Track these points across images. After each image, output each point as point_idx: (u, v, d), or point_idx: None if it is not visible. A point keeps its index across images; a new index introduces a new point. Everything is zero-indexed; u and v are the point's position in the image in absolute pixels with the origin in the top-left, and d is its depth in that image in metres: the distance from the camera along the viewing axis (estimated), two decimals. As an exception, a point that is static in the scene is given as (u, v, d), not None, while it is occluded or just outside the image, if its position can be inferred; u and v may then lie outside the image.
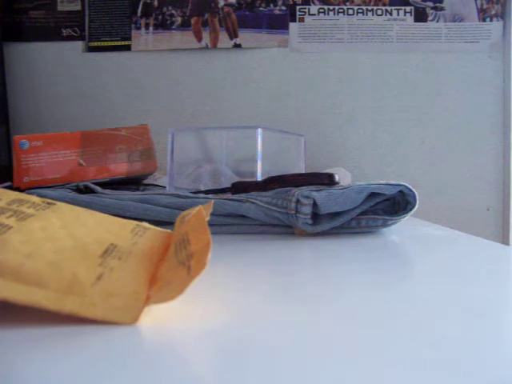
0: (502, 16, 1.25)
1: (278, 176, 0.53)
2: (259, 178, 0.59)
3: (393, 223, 0.47)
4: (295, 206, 0.46)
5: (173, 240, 0.30)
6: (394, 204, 0.48)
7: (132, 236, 0.31)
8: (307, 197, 0.46)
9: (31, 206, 0.29)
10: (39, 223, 0.27)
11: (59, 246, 0.25)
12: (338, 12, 1.23)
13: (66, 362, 0.17)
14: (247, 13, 1.21)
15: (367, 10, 1.24)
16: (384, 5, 1.25)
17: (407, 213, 0.47)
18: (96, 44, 1.22)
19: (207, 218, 0.29)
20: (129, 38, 1.22)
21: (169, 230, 0.36)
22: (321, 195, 0.46)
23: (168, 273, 0.25)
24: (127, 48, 1.22)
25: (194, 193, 0.55)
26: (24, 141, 0.63)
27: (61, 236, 0.27)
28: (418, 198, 0.47)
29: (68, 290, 0.22)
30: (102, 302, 0.22)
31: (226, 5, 1.21)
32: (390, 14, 1.25)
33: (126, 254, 0.27)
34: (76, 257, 0.25)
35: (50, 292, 0.22)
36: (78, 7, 1.22)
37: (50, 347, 0.19)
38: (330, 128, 1.20)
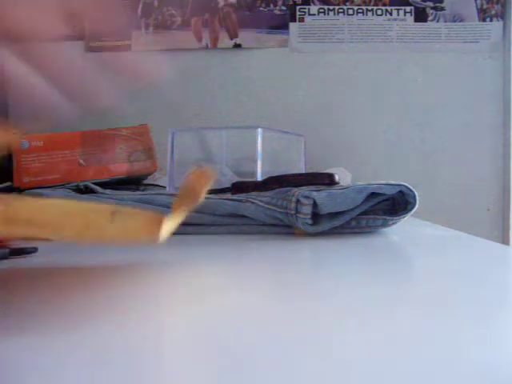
0: (502, 16, 1.25)
1: (278, 176, 0.53)
2: (259, 178, 0.59)
3: (393, 223, 0.47)
4: (295, 206, 0.46)
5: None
6: (394, 204, 0.48)
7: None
8: (307, 197, 0.46)
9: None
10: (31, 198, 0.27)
11: (65, 205, 0.26)
12: (338, 12, 1.23)
13: (64, 361, 0.17)
14: (247, 13, 1.21)
15: (367, 9, 1.24)
16: (384, 5, 1.25)
17: (407, 213, 0.47)
18: (96, 44, 1.22)
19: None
20: (129, 38, 1.22)
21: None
22: (321, 195, 0.46)
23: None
24: (127, 48, 1.22)
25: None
26: (24, 141, 0.63)
27: (63, 201, 0.27)
28: (418, 198, 0.47)
29: (84, 229, 0.24)
30: (119, 234, 0.24)
31: (226, 5, 1.21)
32: (390, 14, 1.25)
33: (134, 211, 0.28)
34: (86, 209, 0.26)
35: (68, 232, 0.23)
36: (78, 7, 1.22)
37: (48, 346, 0.19)
38: (330, 128, 1.21)
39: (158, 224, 0.25)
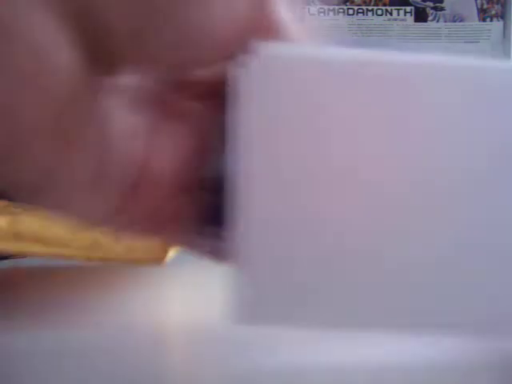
0: (502, 16, 1.25)
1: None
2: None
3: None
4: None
5: None
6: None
7: None
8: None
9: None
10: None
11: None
12: (338, 12, 1.23)
13: (64, 360, 0.17)
14: (247, 13, 1.21)
15: (367, 9, 1.24)
16: (384, 5, 1.25)
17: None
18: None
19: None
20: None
21: None
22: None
23: None
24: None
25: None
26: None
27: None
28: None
29: (90, 248, 0.23)
30: (125, 254, 0.24)
31: (226, 5, 1.21)
32: (390, 14, 1.25)
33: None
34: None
35: (74, 250, 0.23)
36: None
37: (48, 345, 0.19)
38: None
39: (165, 245, 0.25)
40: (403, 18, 1.25)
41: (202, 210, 0.18)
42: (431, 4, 1.25)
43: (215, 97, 0.19)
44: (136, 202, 0.18)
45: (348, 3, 1.24)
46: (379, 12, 1.25)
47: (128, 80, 0.18)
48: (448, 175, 0.14)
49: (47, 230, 0.24)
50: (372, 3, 1.25)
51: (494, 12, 1.25)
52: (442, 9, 1.25)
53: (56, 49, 0.14)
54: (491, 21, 1.25)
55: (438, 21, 1.24)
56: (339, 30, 1.22)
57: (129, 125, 0.17)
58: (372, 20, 1.24)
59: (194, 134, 0.19)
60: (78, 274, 0.32)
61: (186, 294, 0.25)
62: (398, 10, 1.26)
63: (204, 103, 0.20)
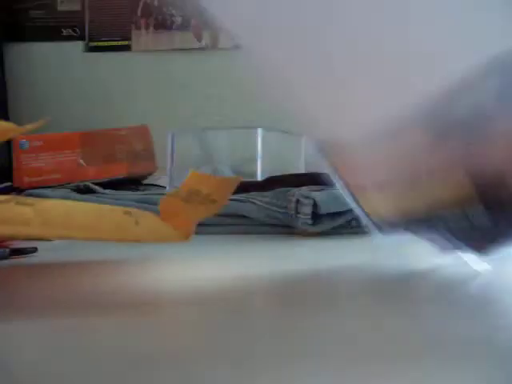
0: (502, 16, 1.24)
1: (278, 176, 0.53)
2: (259, 178, 0.59)
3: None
4: (295, 206, 0.46)
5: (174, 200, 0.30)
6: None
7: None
8: (307, 197, 0.46)
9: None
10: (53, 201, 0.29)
11: (96, 208, 0.27)
12: (338, 12, 1.23)
13: (64, 360, 0.17)
14: (247, 13, 1.21)
15: (367, 10, 1.24)
16: (384, 5, 1.24)
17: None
18: (96, 44, 1.22)
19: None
20: (129, 38, 1.22)
21: None
22: (321, 195, 0.46)
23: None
24: (127, 48, 1.22)
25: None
26: (24, 141, 0.63)
27: (90, 205, 0.28)
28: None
29: (114, 230, 0.24)
30: (147, 234, 0.25)
31: (226, 5, 1.21)
32: (390, 14, 1.24)
33: (143, 214, 0.28)
34: (108, 211, 0.27)
35: (102, 233, 0.24)
36: (78, 7, 1.22)
37: (48, 345, 0.19)
38: (330, 128, 1.20)
39: (190, 226, 0.26)
40: (403, 18, 1.24)
41: None
42: (431, 4, 1.25)
43: None
44: None
45: (348, 3, 1.24)
46: (379, 12, 1.25)
47: None
48: None
49: (72, 217, 0.25)
50: (372, 3, 1.25)
51: (494, 12, 1.25)
52: (442, 9, 1.25)
53: None
54: (491, 21, 1.25)
55: (438, 21, 1.23)
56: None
57: None
58: (372, 20, 1.24)
59: None
60: (77, 273, 0.32)
61: (185, 292, 0.25)
62: (398, 10, 1.26)
63: None
